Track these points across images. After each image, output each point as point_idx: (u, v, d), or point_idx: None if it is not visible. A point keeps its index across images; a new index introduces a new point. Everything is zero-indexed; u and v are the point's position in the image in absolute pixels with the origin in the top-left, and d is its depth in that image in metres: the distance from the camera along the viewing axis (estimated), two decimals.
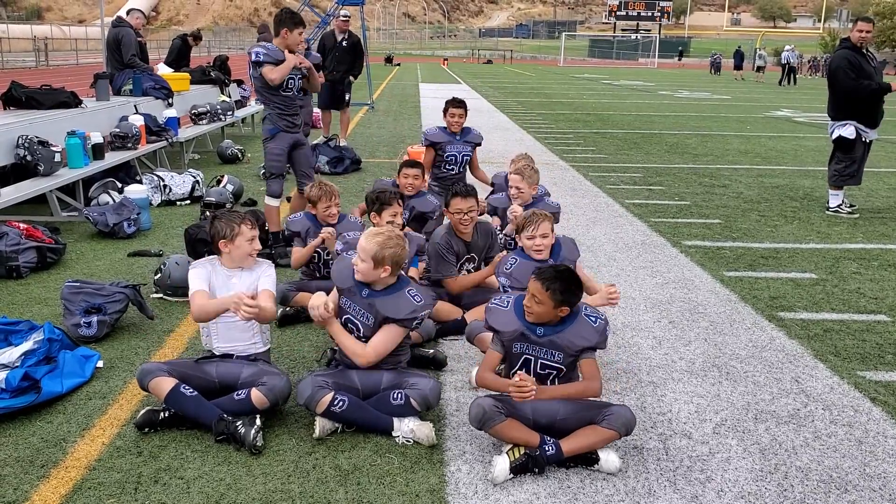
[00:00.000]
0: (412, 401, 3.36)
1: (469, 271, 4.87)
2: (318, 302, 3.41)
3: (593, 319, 3.29)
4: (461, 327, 4.50)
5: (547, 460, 3.11)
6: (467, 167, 6.83)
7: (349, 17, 12.15)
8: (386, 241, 3.40)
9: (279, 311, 4.56)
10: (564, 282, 3.18)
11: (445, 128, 6.83)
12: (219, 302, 3.46)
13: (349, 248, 4.31)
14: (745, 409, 3.72)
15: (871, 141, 8.06)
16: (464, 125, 6.75)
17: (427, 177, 6.10)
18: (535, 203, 5.33)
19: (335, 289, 3.60)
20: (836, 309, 5.19)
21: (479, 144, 6.85)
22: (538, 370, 3.29)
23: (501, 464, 3.07)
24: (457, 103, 6.79)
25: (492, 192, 6.21)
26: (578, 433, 3.17)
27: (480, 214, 5.34)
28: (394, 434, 3.34)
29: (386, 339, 3.45)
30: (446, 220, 4.95)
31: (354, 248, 4.15)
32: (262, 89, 5.93)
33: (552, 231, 4.12)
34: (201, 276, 3.60)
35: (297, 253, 4.89)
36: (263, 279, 3.66)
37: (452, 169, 6.67)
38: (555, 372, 3.30)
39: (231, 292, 3.49)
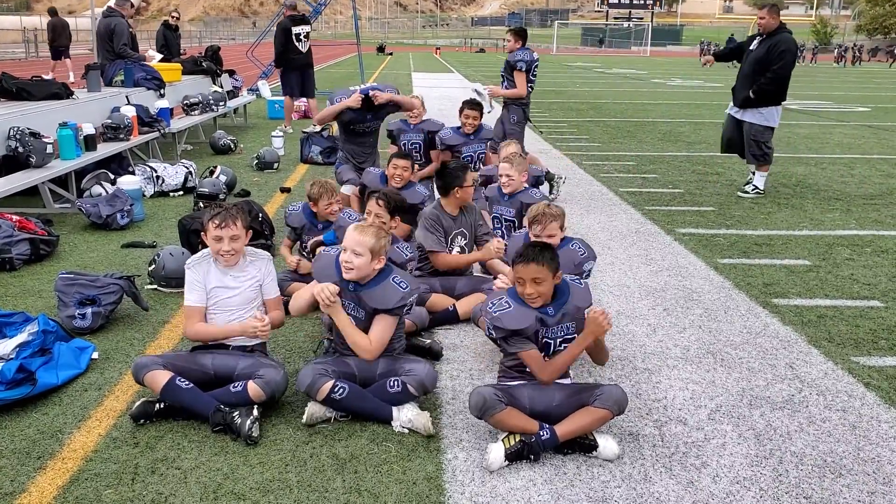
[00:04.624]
0: (409, 387, 3.37)
1: (462, 248, 4.88)
2: (323, 288, 3.38)
3: (578, 282, 3.42)
4: (453, 317, 4.54)
5: (542, 446, 3.12)
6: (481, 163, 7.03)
7: (291, 3, 12.16)
8: (378, 231, 3.44)
9: None
10: (545, 248, 3.26)
11: (459, 128, 6.98)
12: (227, 330, 3.55)
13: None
14: (739, 396, 3.74)
15: (741, 118, 8.26)
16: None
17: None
18: (519, 192, 5.38)
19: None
20: (830, 295, 5.21)
21: (492, 139, 7.07)
22: (559, 348, 3.29)
23: (496, 451, 3.08)
24: (472, 105, 6.99)
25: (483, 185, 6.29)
26: (572, 416, 3.18)
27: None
28: (392, 423, 3.35)
29: (383, 330, 3.45)
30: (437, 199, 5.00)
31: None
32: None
33: (560, 231, 4.12)
34: (195, 285, 3.57)
35: (288, 249, 5.12)
36: (268, 284, 3.68)
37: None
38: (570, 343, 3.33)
39: (227, 290, 3.55)
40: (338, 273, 3.45)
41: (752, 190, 8.31)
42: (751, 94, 7.92)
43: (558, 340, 3.29)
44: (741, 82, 8.10)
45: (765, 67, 7.82)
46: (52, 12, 21.64)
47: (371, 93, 6.51)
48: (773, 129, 8.14)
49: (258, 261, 3.69)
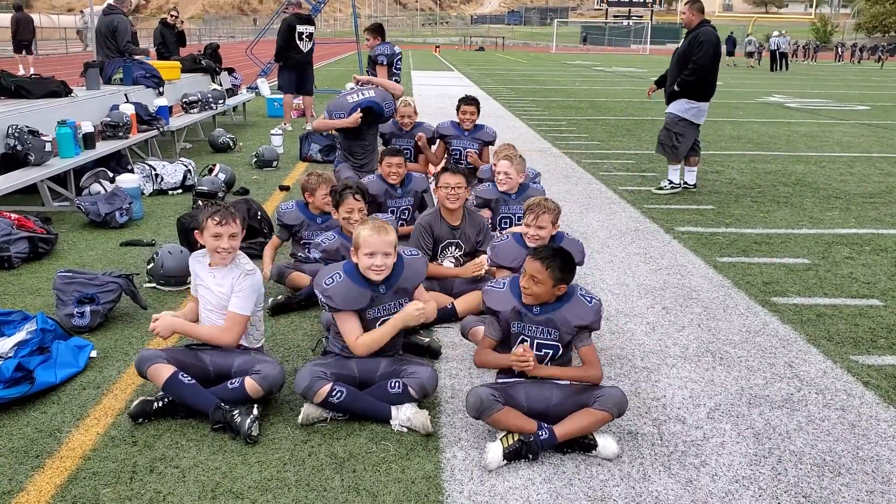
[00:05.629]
0: (410, 389, 3.36)
1: (456, 258, 4.87)
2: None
3: (588, 299, 3.30)
4: (452, 315, 4.53)
5: (541, 446, 3.12)
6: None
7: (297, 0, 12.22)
8: (388, 224, 3.49)
9: (270, 301, 4.55)
10: (562, 259, 3.22)
11: (458, 123, 7.01)
12: (189, 329, 3.62)
13: (328, 255, 4.30)
14: (738, 394, 3.74)
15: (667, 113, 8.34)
16: (476, 122, 7.03)
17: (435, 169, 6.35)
18: (523, 190, 5.38)
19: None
20: (829, 294, 5.21)
21: (491, 143, 7.01)
22: (535, 351, 3.29)
23: (494, 450, 3.08)
24: (468, 101, 7.01)
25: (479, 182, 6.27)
26: (571, 417, 3.17)
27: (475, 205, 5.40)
28: (391, 421, 3.35)
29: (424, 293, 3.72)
30: (436, 202, 4.99)
31: (332, 253, 4.22)
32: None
33: (552, 226, 4.23)
34: (192, 276, 3.70)
35: (271, 252, 5.06)
36: (234, 296, 3.49)
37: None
38: (551, 352, 3.31)
39: (206, 290, 3.58)
40: (367, 287, 3.43)
41: (668, 186, 8.31)
42: (675, 87, 7.98)
43: (535, 341, 3.29)
44: (669, 79, 8.19)
45: (688, 61, 7.90)
46: (18, 7, 23.46)
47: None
48: (688, 122, 8.03)
49: (234, 270, 3.53)
